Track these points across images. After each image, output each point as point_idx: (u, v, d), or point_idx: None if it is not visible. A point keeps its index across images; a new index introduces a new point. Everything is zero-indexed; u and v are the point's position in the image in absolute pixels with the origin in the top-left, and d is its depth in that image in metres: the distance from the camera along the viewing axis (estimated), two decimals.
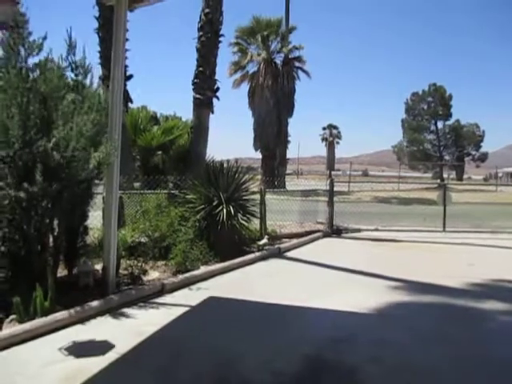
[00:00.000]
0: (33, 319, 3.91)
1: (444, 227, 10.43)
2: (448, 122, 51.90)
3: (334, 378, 3.24)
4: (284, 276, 6.36)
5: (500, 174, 56.27)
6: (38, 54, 4.49)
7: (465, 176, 57.15)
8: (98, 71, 7.83)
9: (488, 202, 18.21)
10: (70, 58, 4.73)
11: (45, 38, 4.50)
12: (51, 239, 4.73)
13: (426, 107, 51.50)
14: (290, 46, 28.72)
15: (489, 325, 4.44)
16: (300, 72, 29.26)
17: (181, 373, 3.26)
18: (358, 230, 10.26)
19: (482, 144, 53.47)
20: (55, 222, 4.70)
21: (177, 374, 3.24)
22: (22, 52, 4.38)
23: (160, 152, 11.10)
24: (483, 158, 54.33)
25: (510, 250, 8.58)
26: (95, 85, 4.97)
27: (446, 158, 52.32)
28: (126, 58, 9.39)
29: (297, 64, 29.20)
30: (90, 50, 4.90)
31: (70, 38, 4.70)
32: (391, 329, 4.26)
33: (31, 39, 4.42)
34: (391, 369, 3.37)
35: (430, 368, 3.39)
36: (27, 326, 3.80)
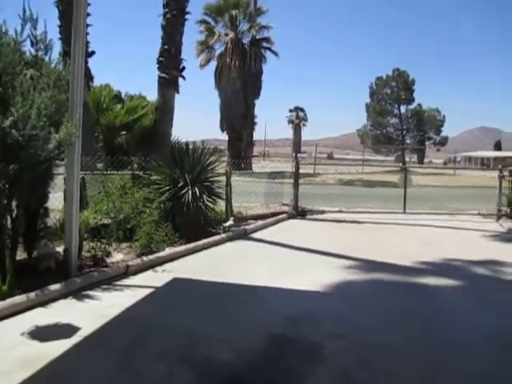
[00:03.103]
0: None
1: (404, 209, 10.76)
2: (410, 107, 53.23)
3: (296, 354, 3.34)
4: (249, 257, 6.43)
5: (458, 159, 58.35)
6: None
7: (426, 160, 58.90)
8: (57, 47, 7.50)
9: (446, 185, 18.90)
10: (31, 32, 4.48)
11: None
12: (9, 221, 4.58)
13: (389, 91, 52.54)
14: (259, 26, 28.41)
15: (440, 302, 4.68)
16: (268, 53, 29.13)
17: (145, 353, 3.27)
18: (322, 212, 10.44)
19: (442, 128, 55.25)
20: (13, 204, 4.55)
21: (141, 354, 3.25)
22: None
23: (124, 132, 10.84)
24: (443, 142, 56.18)
25: (464, 230, 8.97)
26: (55, 61, 4.76)
27: (408, 141, 53.74)
28: (88, 33, 9.07)
29: (265, 44, 29.00)
30: (49, 25, 4.64)
31: (25, 10, 4.40)
32: (350, 307, 4.42)
33: None
34: (349, 344, 3.52)
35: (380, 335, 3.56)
36: None
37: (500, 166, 10.80)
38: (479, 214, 10.71)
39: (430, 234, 8.55)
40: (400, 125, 52.91)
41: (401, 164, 37.65)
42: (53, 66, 4.66)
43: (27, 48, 4.56)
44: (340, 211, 10.64)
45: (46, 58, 4.62)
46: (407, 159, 47.77)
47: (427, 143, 55.16)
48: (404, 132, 53.26)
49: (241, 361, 3.20)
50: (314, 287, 4.89)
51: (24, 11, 4.42)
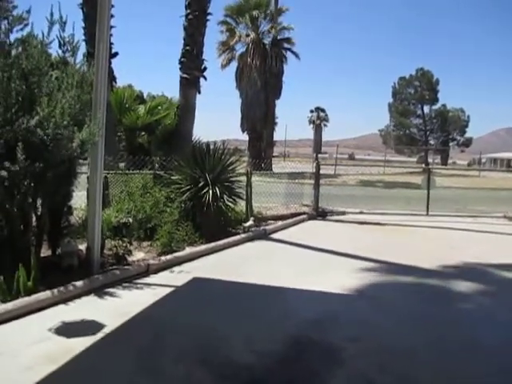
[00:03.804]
0: (16, 299, 3.89)
1: (427, 211, 10.58)
2: (434, 107, 52.22)
3: (316, 357, 3.30)
4: (269, 258, 6.41)
5: (483, 160, 57.01)
6: (22, 29, 4.35)
7: (449, 161, 57.80)
8: (82, 48, 7.64)
9: (470, 187, 18.51)
10: (59, 33, 4.58)
11: (29, 11, 4.35)
12: (34, 219, 4.68)
13: (412, 91, 51.64)
14: (280, 27, 28.37)
15: (462, 305, 4.57)
16: (289, 54, 29.05)
17: (165, 352, 3.29)
18: (343, 213, 10.35)
19: (466, 129, 54.02)
20: (38, 202, 4.64)
21: (161, 353, 3.27)
22: (4, 26, 4.23)
23: (145, 132, 11.00)
24: (468, 143, 54.93)
25: (489, 234, 8.76)
26: (79, 62, 4.85)
27: (432, 142, 52.78)
28: (111, 35, 9.22)
29: (286, 45, 28.93)
30: (75, 26, 4.73)
31: (52, 13, 4.50)
32: (372, 309, 4.35)
33: (15, 13, 4.28)
34: (369, 347, 3.47)
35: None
36: (10, 305, 3.77)
37: None
38: (505, 217, 10.46)
39: (453, 237, 8.37)
40: (423, 125, 52.00)
41: (423, 165, 37.04)
42: (78, 67, 4.75)
43: (54, 50, 4.66)
44: (361, 212, 10.54)
45: (72, 60, 4.71)
46: (430, 160, 46.95)
47: (451, 144, 54.05)
48: (427, 133, 52.30)
49: (260, 362, 3.19)
50: (334, 289, 4.84)
51: (51, 14, 4.51)
